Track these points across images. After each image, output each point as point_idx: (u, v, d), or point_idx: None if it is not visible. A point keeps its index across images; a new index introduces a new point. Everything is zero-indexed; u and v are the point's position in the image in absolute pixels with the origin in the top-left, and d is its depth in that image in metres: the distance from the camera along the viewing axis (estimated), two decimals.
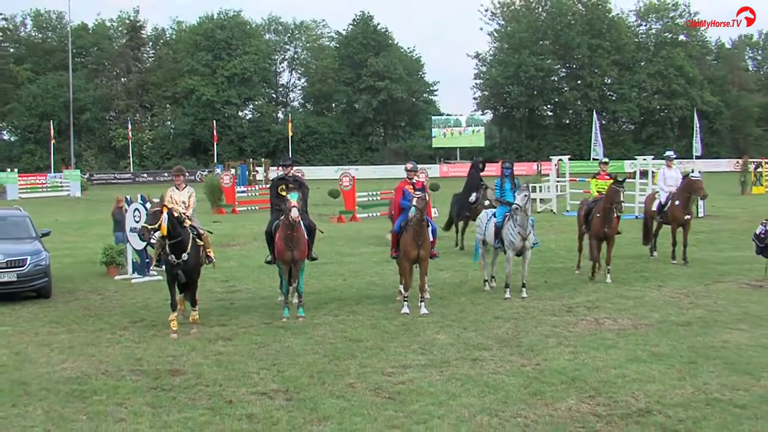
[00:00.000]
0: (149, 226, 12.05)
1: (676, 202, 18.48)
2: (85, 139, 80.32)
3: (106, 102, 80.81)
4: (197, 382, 9.72)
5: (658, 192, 19.83)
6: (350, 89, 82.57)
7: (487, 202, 19.52)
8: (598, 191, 17.64)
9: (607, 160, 20.65)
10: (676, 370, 9.91)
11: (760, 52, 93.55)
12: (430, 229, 13.61)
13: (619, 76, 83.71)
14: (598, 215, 16.46)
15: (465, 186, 21.89)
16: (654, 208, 19.42)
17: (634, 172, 34.02)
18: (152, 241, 12.52)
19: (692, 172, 18.92)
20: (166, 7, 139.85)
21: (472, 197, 21.10)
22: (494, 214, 15.29)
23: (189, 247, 12.43)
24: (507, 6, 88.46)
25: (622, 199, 16.17)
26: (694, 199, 18.91)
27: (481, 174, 21.74)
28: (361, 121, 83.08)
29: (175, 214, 12.36)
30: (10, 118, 80.00)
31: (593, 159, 43.30)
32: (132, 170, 73.31)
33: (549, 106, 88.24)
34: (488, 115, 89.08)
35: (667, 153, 20.49)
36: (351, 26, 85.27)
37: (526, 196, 14.48)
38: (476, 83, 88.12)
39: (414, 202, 13.17)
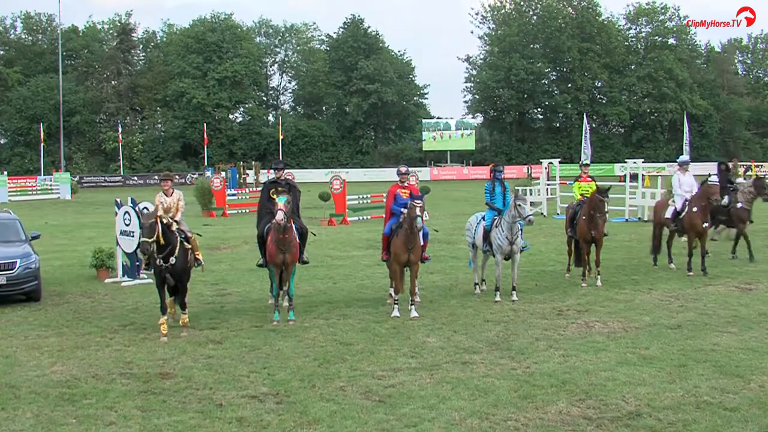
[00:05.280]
0: (148, 240, 12.06)
1: (694, 209, 17.36)
2: (75, 142, 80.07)
3: (96, 105, 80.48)
4: (187, 386, 9.70)
5: (671, 198, 18.72)
6: (341, 92, 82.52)
7: (739, 204, 18.67)
8: (581, 194, 17.47)
9: (588, 162, 20.33)
10: (666, 373, 9.93)
11: (749, 55, 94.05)
12: (421, 233, 13.61)
13: (609, 79, 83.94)
14: (584, 218, 16.41)
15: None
16: (668, 215, 18.33)
17: (624, 175, 34.10)
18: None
19: (709, 176, 17.72)
20: (156, 10, 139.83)
21: (725, 200, 19.21)
22: (483, 218, 15.28)
23: (177, 251, 12.44)
24: (497, 9, 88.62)
25: (606, 210, 16.02)
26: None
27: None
28: (351, 124, 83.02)
29: (164, 221, 12.39)
30: None
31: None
32: (122, 173, 73.25)
33: (539, 110, 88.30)
34: (479, 119, 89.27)
35: (682, 158, 19.27)
36: (341, 29, 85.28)
37: (530, 203, 14.40)
38: (467, 86, 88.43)
39: (416, 212, 12.96)
